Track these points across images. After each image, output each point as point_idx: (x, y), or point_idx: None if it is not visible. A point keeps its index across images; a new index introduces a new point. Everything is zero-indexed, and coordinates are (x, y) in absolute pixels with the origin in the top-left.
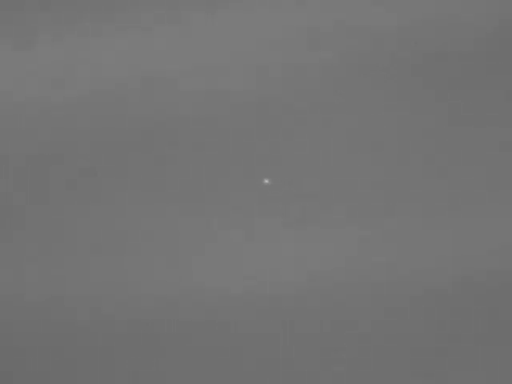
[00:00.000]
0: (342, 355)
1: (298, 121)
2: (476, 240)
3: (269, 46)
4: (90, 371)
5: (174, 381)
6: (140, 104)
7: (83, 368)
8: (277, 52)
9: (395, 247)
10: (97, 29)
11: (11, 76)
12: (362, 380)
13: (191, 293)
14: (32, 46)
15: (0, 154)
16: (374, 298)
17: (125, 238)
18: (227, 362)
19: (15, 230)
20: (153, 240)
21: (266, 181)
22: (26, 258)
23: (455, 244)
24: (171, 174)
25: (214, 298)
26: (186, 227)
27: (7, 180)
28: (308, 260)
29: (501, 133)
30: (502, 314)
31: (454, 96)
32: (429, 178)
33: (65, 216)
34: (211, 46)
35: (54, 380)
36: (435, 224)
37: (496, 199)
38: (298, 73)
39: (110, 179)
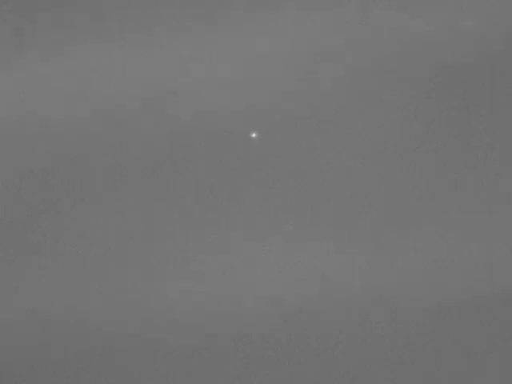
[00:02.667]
0: (350, 364)
1: (308, 133)
2: (485, 255)
3: (279, 58)
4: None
5: None
6: (147, 118)
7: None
8: (287, 65)
9: (406, 261)
10: (101, 45)
11: (24, 90)
12: None
13: (202, 304)
14: (44, 61)
15: (5, 167)
16: (386, 311)
17: (131, 250)
18: (238, 373)
19: (19, 242)
20: (161, 251)
21: (254, 135)
22: (30, 269)
23: (464, 259)
24: (180, 186)
25: (225, 308)
26: (196, 239)
27: (12, 192)
28: (320, 272)
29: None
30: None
31: (466, 109)
32: (438, 192)
33: (71, 228)
34: (220, 59)
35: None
36: (449, 239)
37: (503, 212)
38: (309, 86)
39: (116, 190)
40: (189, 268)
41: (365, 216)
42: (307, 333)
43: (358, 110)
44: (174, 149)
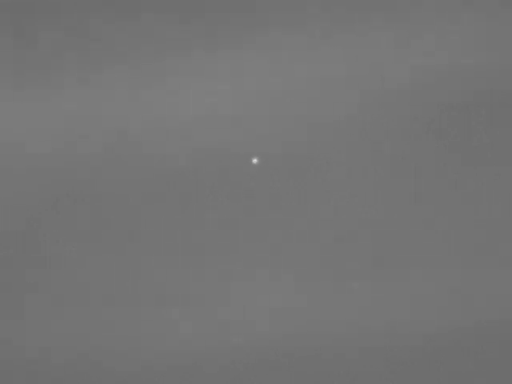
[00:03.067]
0: None
1: (309, 173)
2: (477, 291)
3: (281, 97)
4: None
5: None
6: (146, 155)
7: None
8: (289, 103)
9: (402, 300)
10: (103, 81)
11: (25, 127)
12: None
13: (206, 344)
14: (46, 99)
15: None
16: (383, 349)
17: (137, 291)
18: None
19: (25, 281)
20: (166, 292)
21: (255, 160)
22: (37, 309)
23: (456, 295)
24: (184, 226)
25: (226, 350)
26: (200, 280)
27: (18, 230)
28: (319, 312)
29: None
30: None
31: (466, 147)
32: (435, 230)
33: (77, 268)
34: (223, 96)
35: None
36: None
37: (497, 251)
38: (310, 125)
39: (120, 231)
40: (188, 310)
41: (363, 255)
42: (302, 371)
43: (357, 148)
44: (173, 185)
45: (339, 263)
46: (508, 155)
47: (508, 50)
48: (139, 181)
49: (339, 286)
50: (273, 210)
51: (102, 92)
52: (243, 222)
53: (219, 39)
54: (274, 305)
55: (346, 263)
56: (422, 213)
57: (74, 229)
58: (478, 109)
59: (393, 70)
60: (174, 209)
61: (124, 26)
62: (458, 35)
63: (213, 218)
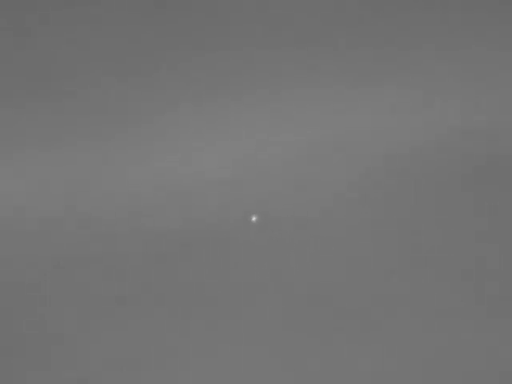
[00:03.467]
0: None
1: (308, 237)
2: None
3: (280, 160)
4: None
5: None
6: (141, 220)
7: None
8: (290, 166)
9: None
10: (101, 147)
11: (25, 191)
12: None
13: None
14: (47, 163)
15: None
16: None
17: (145, 355)
18: None
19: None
20: (157, 368)
21: (254, 218)
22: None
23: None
24: (190, 289)
25: None
26: (208, 345)
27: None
28: (330, 370)
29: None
30: None
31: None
32: (437, 292)
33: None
34: (214, 162)
35: None
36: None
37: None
38: (310, 188)
39: (119, 294)
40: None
41: (361, 320)
42: None
43: (356, 212)
44: (172, 247)
45: (338, 326)
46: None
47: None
48: (139, 243)
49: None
50: (272, 272)
51: (99, 157)
52: (243, 286)
53: (218, 109)
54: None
55: (343, 327)
56: (421, 278)
57: (72, 291)
58: (486, 174)
59: (395, 135)
60: (173, 272)
61: (121, 91)
62: (460, 100)
63: (211, 281)
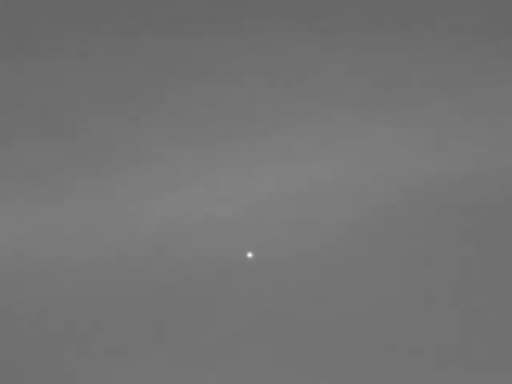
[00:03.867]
0: None
1: (310, 278)
2: None
3: (283, 201)
4: None
5: None
6: (149, 260)
7: None
8: (292, 208)
9: None
10: (104, 186)
11: (28, 231)
12: None
13: None
14: (49, 202)
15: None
16: None
17: None
18: None
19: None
20: None
21: (250, 255)
22: None
23: None
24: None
25: None
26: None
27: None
28: None
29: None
30: None
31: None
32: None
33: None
34: (220, 201)
35: None
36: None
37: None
38: (312, 230)
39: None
40: None
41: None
42: None
43: (358, 253)
44: (177, 288)
45: (339, 367)
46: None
47: None
48: (143, 283)
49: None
50: (275, 312)
51: (102, 196)
52: (247, 325)
53: (219, 149)
54: None
55: (344, 370)
56: (420, 317)
57: (76, 333)
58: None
59: (397, 176)
60: (177, 312)
61: (123, 132)
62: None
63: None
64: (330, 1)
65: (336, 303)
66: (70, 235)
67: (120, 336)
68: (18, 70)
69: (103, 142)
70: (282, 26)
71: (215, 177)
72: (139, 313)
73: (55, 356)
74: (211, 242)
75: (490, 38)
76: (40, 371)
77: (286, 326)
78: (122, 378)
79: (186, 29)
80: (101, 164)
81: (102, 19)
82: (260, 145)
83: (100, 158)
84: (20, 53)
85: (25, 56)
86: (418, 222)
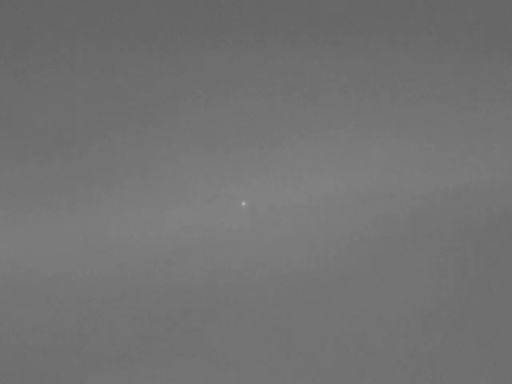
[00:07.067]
0: None
1: (316, 293)
2: None
3: (288, 215)
4: None
5: None
6: (153, 277)
7: None
8: (297, 221)
9: None
10: (106, 201)
11: (28, 248)
12: None
13: None
14: (51, 220)
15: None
16: None
17: None
18: None
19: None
20: None
21: (244, 203)
22: None
23: None
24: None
25: None
26: None
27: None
28: None
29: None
30: None
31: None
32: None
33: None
34: (228, 216)
35: None
36: None
37: None
38: (317, 244)
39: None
40: None
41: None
42: None
43: (365, 268)
44: (181, 303)
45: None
46: None
47: None
48: (148, 300)
49: None
50: (282, 325)
51: (104, 211)
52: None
53: (225, 159)
54: None
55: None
56: (422, 340)
57: (81, 352)
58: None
59: (403, 189)
60: (181, 327)
61: (126, 146)
62: (465, 154)
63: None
64: (341, 13)
65: (342, 314)
66: (76, 249)
67: (126, 349)
68: (21, 81)
69: (110, 154)
70: (297, 38)
71: (220, 190)
72: (146, 326)
73: (55, 371)
74: (217, 255)
75: (495, 52)
76: None
77: (294, 339)
78: None
79: (195, 39)
80: (107, 176)
81: (112, 31)
82: (268, 156)
83: (107, 170)
84: (21, 65)
85: (26, 68)
86: (425, 233)
